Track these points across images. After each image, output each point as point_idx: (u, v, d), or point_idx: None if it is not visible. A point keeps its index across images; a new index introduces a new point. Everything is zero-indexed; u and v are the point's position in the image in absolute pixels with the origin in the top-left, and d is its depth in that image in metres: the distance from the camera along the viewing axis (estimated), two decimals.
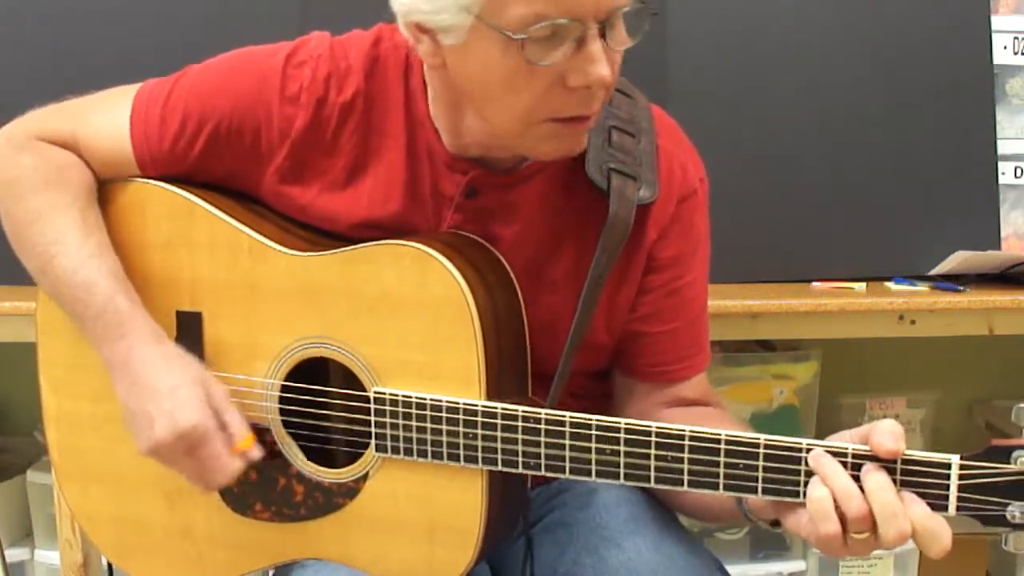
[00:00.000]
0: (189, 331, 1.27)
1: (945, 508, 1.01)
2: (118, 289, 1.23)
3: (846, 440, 1.05)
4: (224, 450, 1.18)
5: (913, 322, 1.80)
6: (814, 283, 1.91)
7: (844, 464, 1.03)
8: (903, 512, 1.01)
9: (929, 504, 1.01)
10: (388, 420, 1.19)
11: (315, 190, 1.27)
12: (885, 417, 2.18)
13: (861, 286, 1.88)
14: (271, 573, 1.35)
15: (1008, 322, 1.82)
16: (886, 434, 1.01)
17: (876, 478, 1.02)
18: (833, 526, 1.02)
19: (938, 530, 1.00)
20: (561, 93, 1.10)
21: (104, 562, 1.80)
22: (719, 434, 1.08)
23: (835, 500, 1.02)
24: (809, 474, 1.05)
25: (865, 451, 1.03)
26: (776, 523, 1.12)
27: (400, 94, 1.25)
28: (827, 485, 1.02)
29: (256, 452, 1.21)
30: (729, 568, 1.30)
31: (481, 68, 1.11)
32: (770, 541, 2.14)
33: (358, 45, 1.26)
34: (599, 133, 1.24)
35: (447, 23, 1.09)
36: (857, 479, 1.02)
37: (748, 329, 1.80)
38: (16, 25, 1.92)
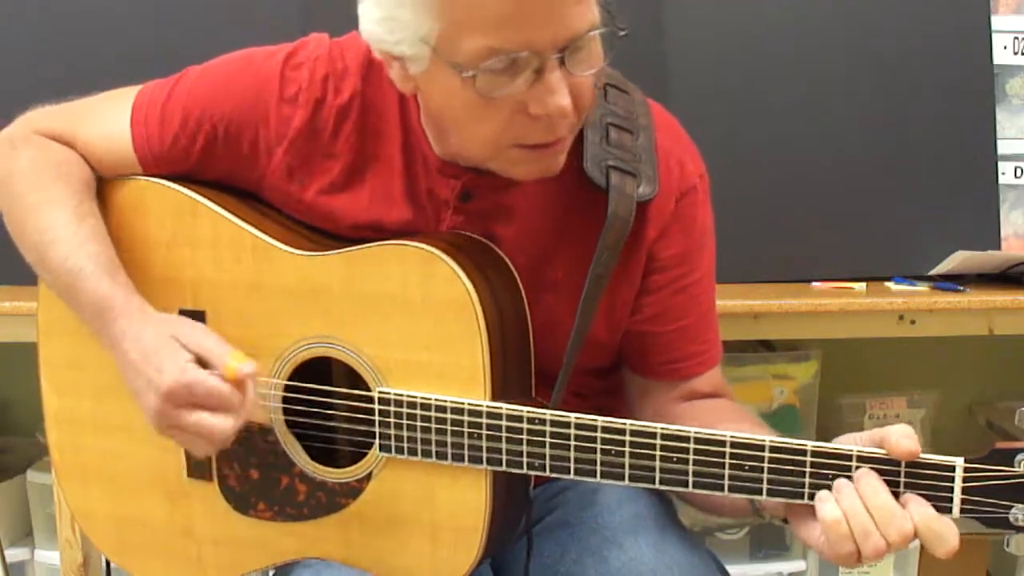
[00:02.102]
0: None
1: (949, 511, 1.02)
2: (104, 273, 1.22)
3: (854, 443, 1.06)
4: (219, 385, 1.14)
5: (913, 322, 1.80)
6: (814, 283, 1.91)
7: (848, 467, 1.04)
8: (901, 512, 1.02)
9: (933, 506, 1.02)
10: (392, 420, 1.19)
11: (314, 191, 1.27)
12: (885, 417, 2.20)
13: (861, 286, 1.88)
14: (272, 573, 1.35)
15: (1008, 322, 1.82)
16: (904, 436, 1.02)
17: (868, 482, 1.03)
18: (851, 546, 1.03)
19: (944, 531, 1.01)
20: (524, 121, 1.10)
21: (103, 562, 1.80)
22: (724, 436, 1.08)
23: (846, 518, 1.03)
24: (814, 476, 1.05)
25: (870, 454, 1.04)
26: (786, 520, 1.12)
27: (395, 98, 1.25)
28: (840, 506, 1.03)
29: (247, 367, 1.14)
30: (729, 568, 1.31)
31: (444, 97, 1.11)
32: (770, 541, 2.15)
33: (355, 48, 1.26)
34: (597, 130, 1.23)
35: (407, 53, 1.09)
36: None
37: (749, 329, 1.80)
38: (16, 26, 1.91)
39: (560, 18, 1.04)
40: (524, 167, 1.17)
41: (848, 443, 1.06)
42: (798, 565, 2.15)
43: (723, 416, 1.23)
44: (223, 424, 1.14)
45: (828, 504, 1.04)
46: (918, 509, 1.02)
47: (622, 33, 1.09)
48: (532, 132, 1.11)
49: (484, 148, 1.14)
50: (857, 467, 1.04)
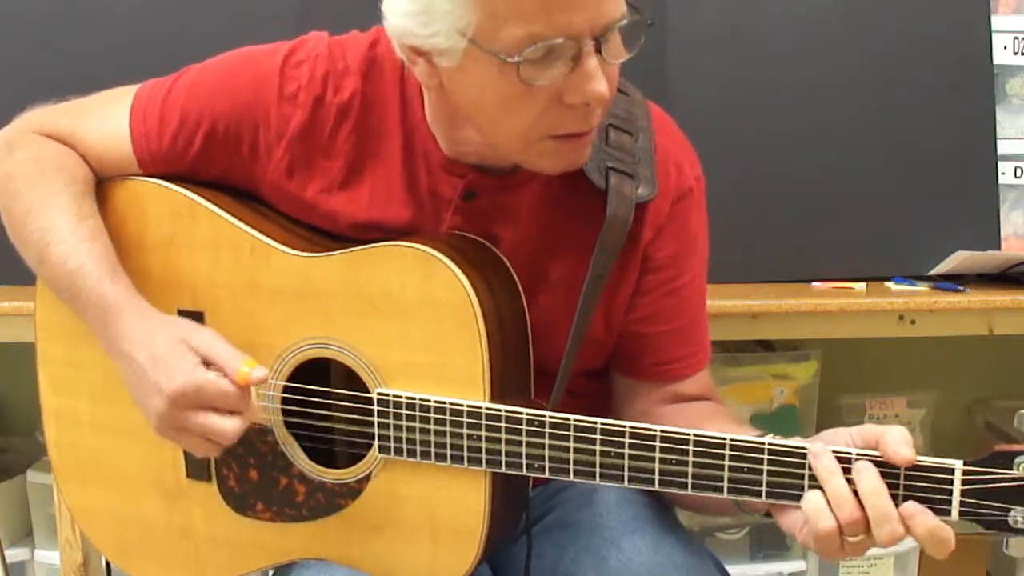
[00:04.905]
0: None
1: (948, 513, 1.02)
2: (105, 274, 1.21)
3: (844, 437, 1.06)
4: (228, 387, 1.14)
5: (913, 322, 1.80)
6: (814, 283, 1.91)
7: (847, 470, 1.04)
8: (895, 516, 1.02)
9: (931, 508, 1.02)
10: (391, 421, 1.19)
11: (313, 189, 1.27)
12: (885, 417, 2.20)
13: (861, 286, 1.88)
14: (271, 573, 1.35)
15: (1008, 322, 1.82)
16: (901, 443, 1.02)
17: (869, 481, 1.02)
18: (829, 522, 1.03)
19: (946, 539, 1.01)
20: (559, 110, 1.10)
21: (103, 562, 1.80)
22: (723, 438, 1.08)
23: (828, 503, 1.03)
24: (812, 477, 1.05)
25: (871, 456, 1.03)
26: (768, 514, 1.13)
27: (396, 97, 1.25)
28: (822, 487, 1.03)
29: (259, 372, 1.14)
30: (729, 568, 1.31)
31: (477, 90, 1.11)
32: (770, 541, 2.14)
33: (356, 46, 1.26)
34: (597, 132, 1.23)
35: (442, 46, 1.08)
36: (850, 480, 1.03)
37: (748, 329, 1.80)
38: (15, 25, 1.91)
39: (596, 4, 1.05)
40: (553, 159, 1.16)
41: (838, 438, 1.07)
42: (798, 565, 2.14)
43: (708, 419, 1.23)
44: (232, 425, 1.14)
45: (823, 513, 1.04)
46: (920, 517, 1.01)
47: (650, 24, 1.10)
48: (565, 122, 1.12)
49: (515, 140, 1.14)
50: (857, 458, 1.04)
